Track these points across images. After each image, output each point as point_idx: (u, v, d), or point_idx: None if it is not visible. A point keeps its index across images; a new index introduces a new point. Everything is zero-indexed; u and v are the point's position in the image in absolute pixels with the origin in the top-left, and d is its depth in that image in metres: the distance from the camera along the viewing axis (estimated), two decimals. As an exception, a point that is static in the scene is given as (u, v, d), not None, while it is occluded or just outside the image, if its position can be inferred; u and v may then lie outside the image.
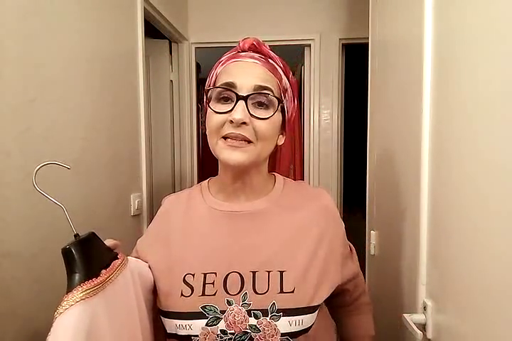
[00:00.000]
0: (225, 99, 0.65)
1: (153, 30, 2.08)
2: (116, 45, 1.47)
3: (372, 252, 1.36)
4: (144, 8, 1.69)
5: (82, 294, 0.56)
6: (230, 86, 0.64)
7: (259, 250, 0.68)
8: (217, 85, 0.66)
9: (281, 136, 0.72)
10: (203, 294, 0.65)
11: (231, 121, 0.62)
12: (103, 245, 0.65)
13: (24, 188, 0.94)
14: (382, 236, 1.28)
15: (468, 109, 0.64)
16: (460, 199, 0.67)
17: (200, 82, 3.06)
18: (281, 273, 0.66)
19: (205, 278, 0.67)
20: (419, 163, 0.83)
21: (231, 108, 0.63)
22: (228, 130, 0.63)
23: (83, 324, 0.54)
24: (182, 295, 0.66)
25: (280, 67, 0.70)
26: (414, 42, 0.88)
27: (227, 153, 0.63)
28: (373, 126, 1.38)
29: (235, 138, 0.63)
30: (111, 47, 1.42)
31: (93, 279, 0.59)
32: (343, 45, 2.45)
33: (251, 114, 0.63)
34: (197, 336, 0.64)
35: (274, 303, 0.63)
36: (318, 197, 0.76)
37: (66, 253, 0.59)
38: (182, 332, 0.65)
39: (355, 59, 2.46)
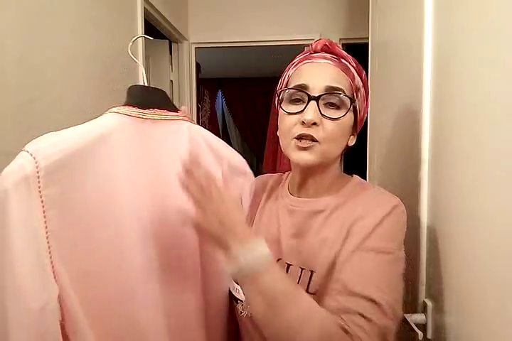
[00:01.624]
0: (297, 100, 0.67)
1: (153, 30, 2.08)
2: (116, 45, 1.47)
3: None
4: (144, 8, 1.69)
5: (120, 108, 0.65)
6: (302, 87, 0.66)
7: (302, 246, 0.69)
8: (289, 87, 0.68)
9: (352, 136, 0.72)
10: None
11: (302, 122, 0.64)
12: (169, 99, 0.72)
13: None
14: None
15: (468, 108, 0.64)
16: (460, 199, 0.67)
17: (200, 82, 3.06)
18: (312, 273, 0.66)
19: None
20: (419, 163, 0.83)
21: (303, 108, 0.65)
22: (300, 131, 0.65)
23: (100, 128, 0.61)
24: None
25: (353, 66, 0.70)
26: (414, 42, 0.88)
27: (297, 154, 0.66)
28: (373, 127, 1.38)
29: (306, 137, 0.64)
30: (111, 47, 1.42)
31: (137, 107, 0.66)
32: (343, 45, 2.45)
33: (322, 114, 0.65)
34: (242, 301, 0.70)
35: None
36: (381, 206, 0.66)
37: (128, 88, 0.68)
38: (235, 294, 0.72)
39: (355, 59, 2.46)
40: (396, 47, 1.10)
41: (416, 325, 0.77)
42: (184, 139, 0.72)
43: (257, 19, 2.43)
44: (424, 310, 0.79)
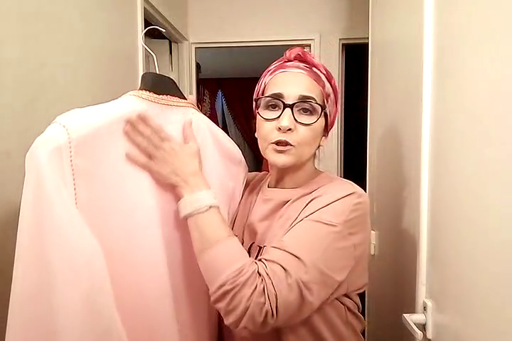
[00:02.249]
0: (273, 106, 0.74)
1: (153, 30, 2.08)
2: (117, 45, 1.47)
3: (372, 252, 1.36)
4: (144, 8, 1.69)
5: (137, 92, 0.70)
6: (277, 96, 0.73)
7: (269, 229, 0.76)
8: (266, 94, 0.75)
9: (323, 137, 0.80)
10: None
11: (279, 128, 0.71)
12: (178, 87, 0.77)
13: (24, 188, 0.93)
14: (382, 236, 1.28)
15: (468, 108, 0.64)
16: (459, 199, 0.67)
17: (200, 82, 3.06)
18: None
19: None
20: (419, 163, 0.83)
21: (279, 115, 0.72)
22: (277, 137, 0.72)
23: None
24: None
25: (323, 74, 0.76)
26: (414, 42, 0.88)
27: (275, 157, 0.73)
28: (373, 126, 1.38)
29: (283, 143, 0.71)
30: (111, 47, 1.42)
31: (153, 92, 0.71)
32: (343, 45, 2.45)
33: (296, 120, 0.71)
34: None
35: None
36: (340, 191, 0.71)
37: (143, 75, 0.73)
38: None
39: (355, 59, 2.46)
40: (396, 47, 1.10)
41: (416, 325, 0.77)
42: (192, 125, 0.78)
43: (257, 19, 2.43)
44: (424, 310, 0.79)
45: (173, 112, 0.75)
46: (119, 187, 0.65)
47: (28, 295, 0.54)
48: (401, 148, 1.03)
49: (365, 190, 1.43)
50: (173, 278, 0.70)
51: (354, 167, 2.55)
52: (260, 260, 0.64)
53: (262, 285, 0.60)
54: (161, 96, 0.73)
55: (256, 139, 0.80)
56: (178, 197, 0.71)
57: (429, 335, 0.77)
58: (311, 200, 0.71)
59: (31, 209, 0.55)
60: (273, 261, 0.63)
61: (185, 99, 0.78)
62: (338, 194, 0.69)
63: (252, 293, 0.59)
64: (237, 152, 0.86)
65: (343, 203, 0.68)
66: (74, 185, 0.57)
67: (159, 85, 0.73)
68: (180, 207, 0.68)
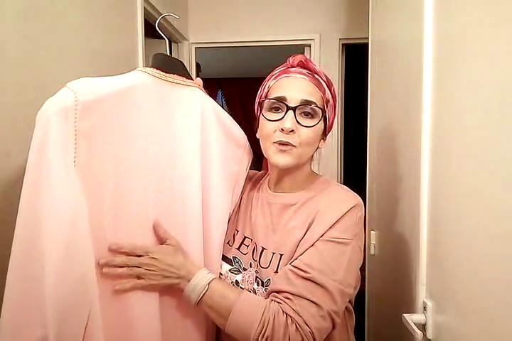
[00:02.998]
0: (276, 109, 0.77)
1: (153, 30, 2.08)
2: (117, 45, 1.47)
3: (372, 252, 1.36)
4: (144, 8, 1.69)
5: (146, 68, 0.74)
6: (281, 99, 0.76)
7: (275, 234, 0.79)
8: (270, 97, 0.78)
9: (322, 140, 0.83)
10: (238, 249, 0.84)
11: (282, 129, 0.74)
12: (186, 68, 0.82)
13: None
14: (382, 236, 1.28)
15: (468, 108, 0.64)
16: (460, 199, 0.67)
17: (200, 82, 3.04)
18: (281, 256, 0.76)
19: (244, 239, 0.85)
20: (419, 163, 0.83)
21: (282, 116, 0.75)
22: (279, 137, 0.75)
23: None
24: (226, 242, 0.86)
25: (324, 81, 0.80)
26: (414, 42, 0.88)
27: (277, 157, 0.76)
28: (373, 126, 1.38)
29: (284, 143, 0.74)
30: (111, 47, 1.42)
31: (160, 70, 0.75)
32: (343, 45, 2.45)
33: (298, 123, 0.74)
34: (221, 275, 0.84)
35: (269, 279, 0.76)
36: (343, 203, 0.75)
37: (153, 55, 0.77)
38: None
39: (355, 59, 2.46)
40: (396, 47, 1.11)
41: (416, 325, 0.77)
42: (197, 105, 0.81)
43: (256, 19, 2.43)
44: (424, 310, 0.79)
45: (179, 90, 0.78)
46: (117, 155, 0.68)
47: (22, 238, 0.59)
48: (401, 147, 1.03)
49: (365, 190, 1.43)
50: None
51: (354, 167, 2.55)
52: (286, 296, 0.67)
53: (294, 325, 0.64)
54: (168, 74, 0.76)
55: (256, 138, 0.81)
56: (174, 174, 0.76)
57: (429, 335, 0.77)
58: (317, 213, 0.75)
59: (34, 163, 0.60)
60: (298, 295, 0.67)
61: (193, 80, 0.81)
62: (342, 207, 0.74)
63: (284, 334, 0.64)
64: (242, 136, 0.89)
65: (350, 218, 0.73)
66: (75, 145, 0.62)
67: (167, 64, 0.77)
68: (186, 298, 0.72)
